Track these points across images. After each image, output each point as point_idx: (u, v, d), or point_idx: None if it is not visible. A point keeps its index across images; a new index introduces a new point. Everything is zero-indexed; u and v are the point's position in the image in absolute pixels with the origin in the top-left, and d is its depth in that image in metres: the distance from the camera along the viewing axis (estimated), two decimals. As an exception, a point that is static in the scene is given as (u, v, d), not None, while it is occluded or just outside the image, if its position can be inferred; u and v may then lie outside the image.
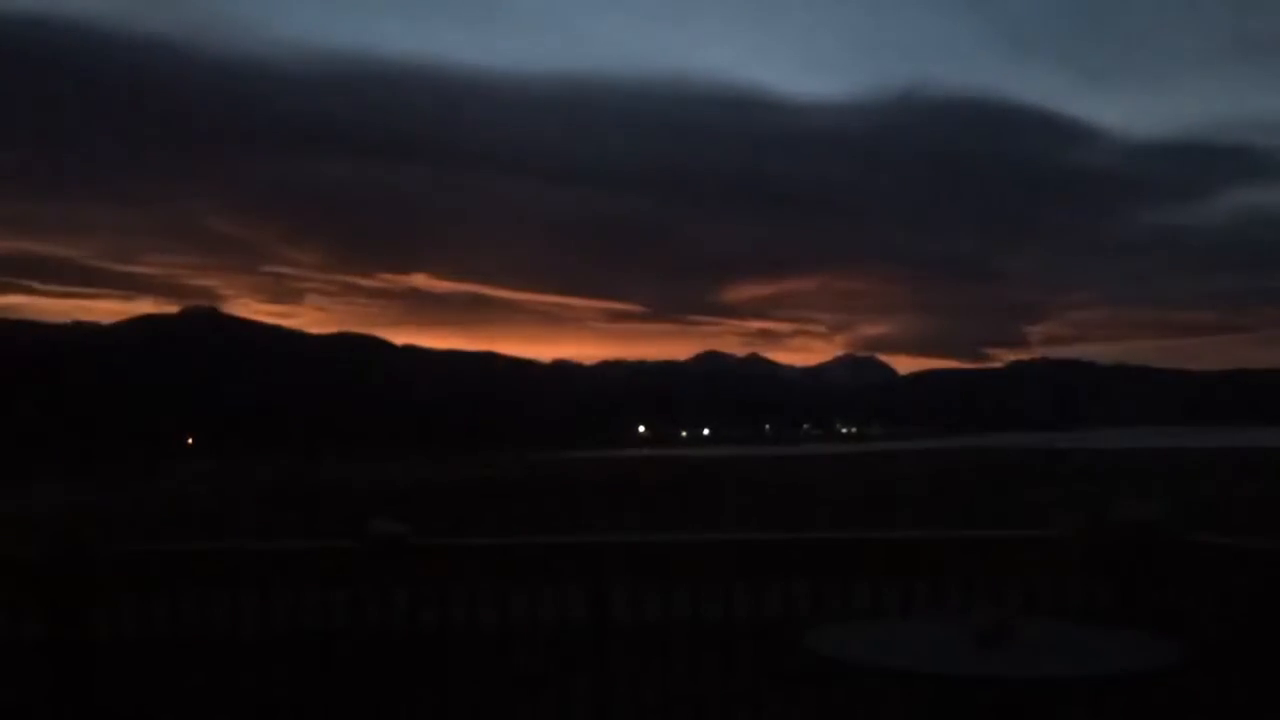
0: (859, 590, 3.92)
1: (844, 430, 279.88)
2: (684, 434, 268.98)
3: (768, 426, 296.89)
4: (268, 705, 3.86)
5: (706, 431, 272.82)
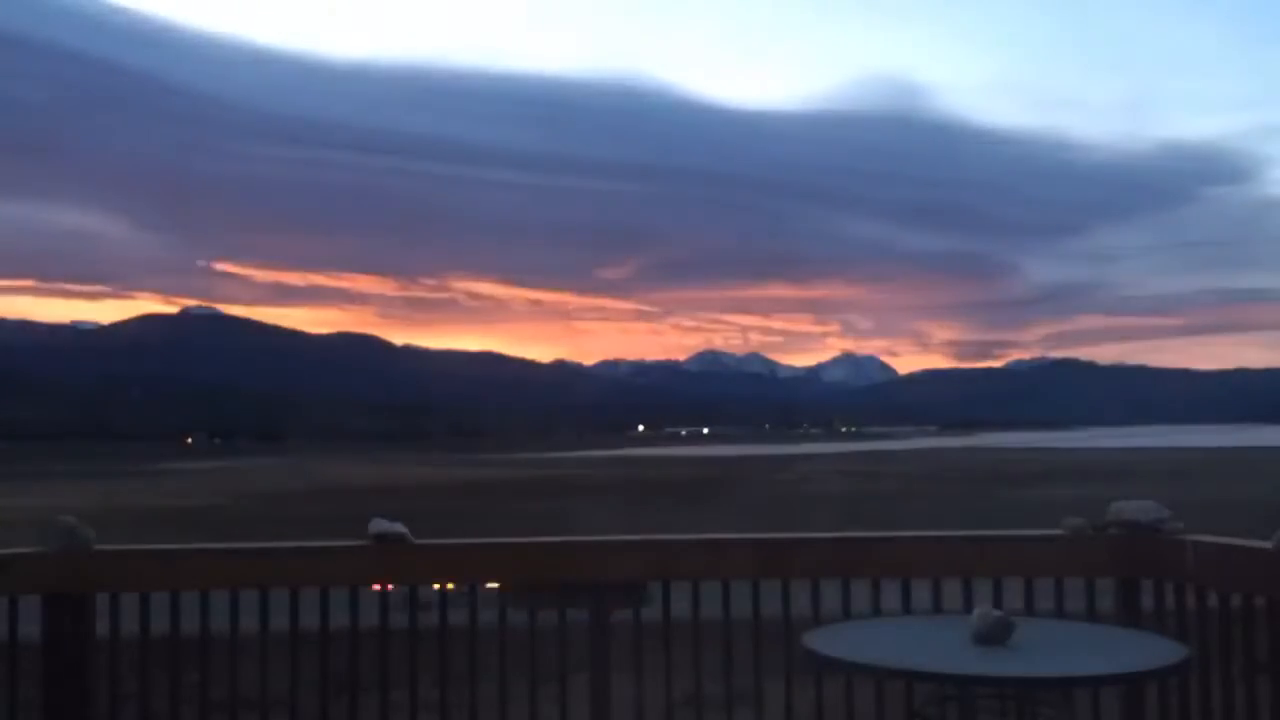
0: (859, 590, 3.92)
1: (844, 429, 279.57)
2: (684, 433, 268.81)
3: (767, 425, 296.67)
4: (268, 704, 3.85)
5: (706, 430, 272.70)
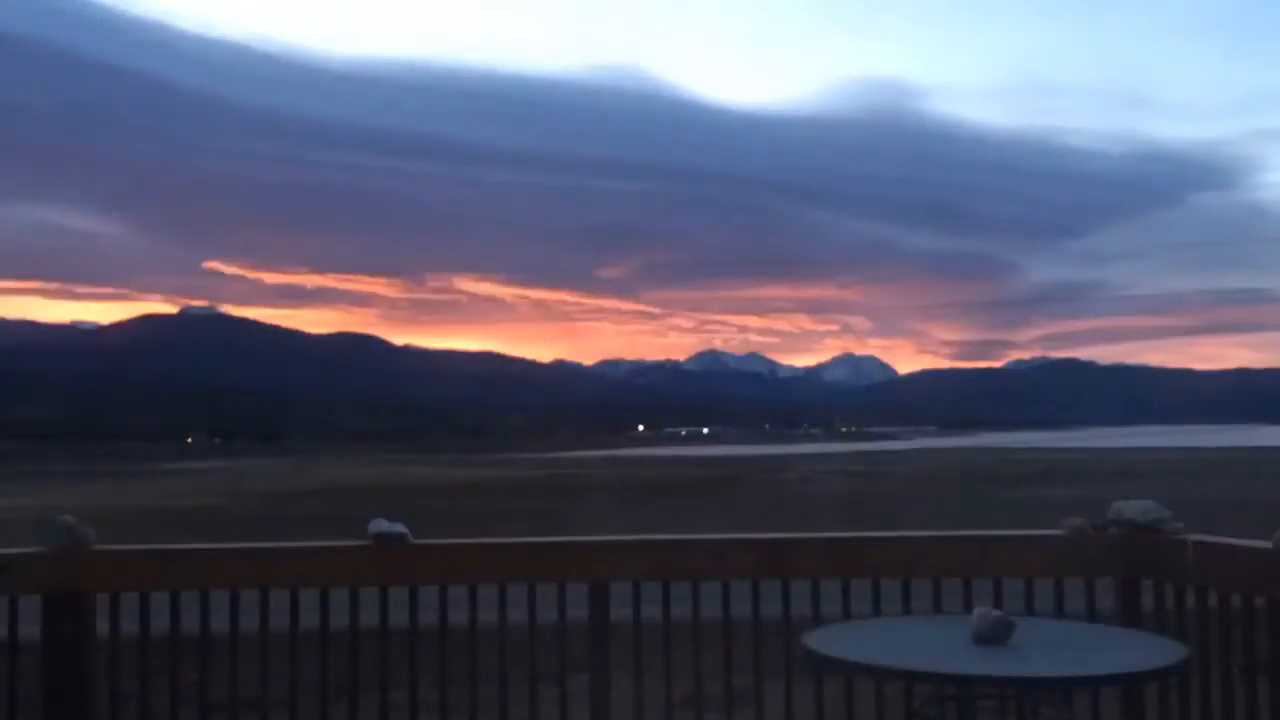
0: (859, 590, 3.92)
1: (844, 429, 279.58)
2: (684, 433, 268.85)
3: (767, 425, 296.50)
4: (268, 704, 3.85)
5: (706, 430, 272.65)
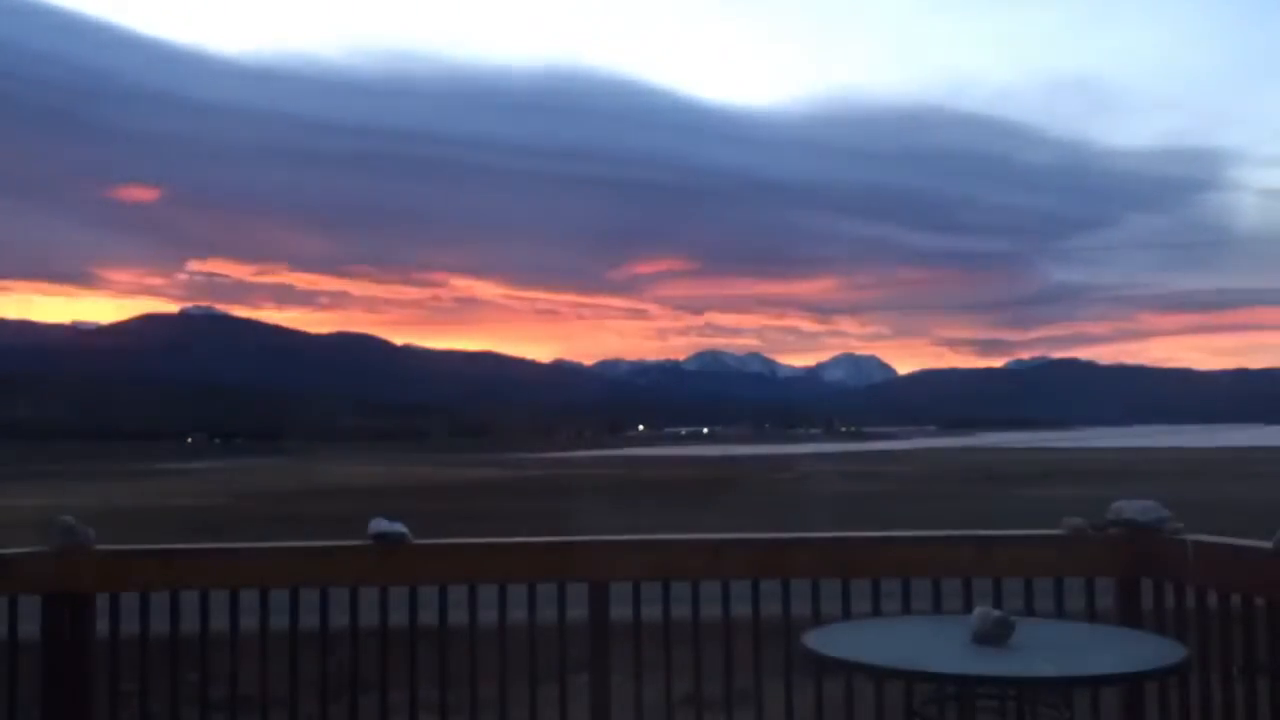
0: (859, 590, 3.91)
1: (844, 429, 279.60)
2: (684, 433, 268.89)
3: (767, 425, 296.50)
4: (268, 704, 3.85)
5: (706, 430, 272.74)
